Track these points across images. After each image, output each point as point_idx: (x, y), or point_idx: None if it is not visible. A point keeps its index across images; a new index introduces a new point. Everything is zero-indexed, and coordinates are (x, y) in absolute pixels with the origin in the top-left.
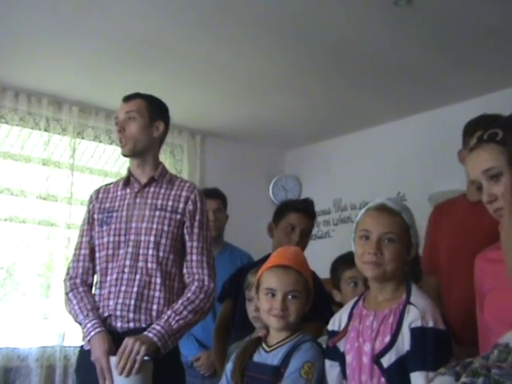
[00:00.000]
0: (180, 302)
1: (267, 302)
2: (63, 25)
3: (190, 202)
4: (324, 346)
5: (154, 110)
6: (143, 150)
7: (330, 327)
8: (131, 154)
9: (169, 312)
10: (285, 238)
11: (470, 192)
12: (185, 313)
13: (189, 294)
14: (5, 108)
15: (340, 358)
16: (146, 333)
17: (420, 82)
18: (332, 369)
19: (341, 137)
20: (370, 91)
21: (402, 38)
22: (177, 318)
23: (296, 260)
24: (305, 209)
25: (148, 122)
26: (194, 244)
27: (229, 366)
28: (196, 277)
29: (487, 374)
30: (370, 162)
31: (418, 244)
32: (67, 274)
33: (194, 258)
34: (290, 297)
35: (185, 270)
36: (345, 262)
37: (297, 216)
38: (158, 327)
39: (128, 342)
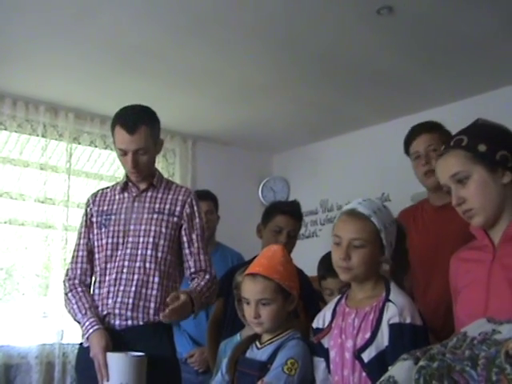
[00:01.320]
0: (203, 283)
1: (245, 309)
2: (60, 34)
3: (186, 206)
4: None
5: (156, 132)
6: (150, 169)
7: (314, 324)
8: (142, 179)
9: (198, 288)
10: (272, 240)
11: (435, 197)
12: (207, 293)
13: (208, 277)
14: (3, 115)
15: (325, 354)
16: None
17: (401, 88)
18: (318, 364)
19: (327, 140)
20: (355, 96)
21: (384, 46)
22: (206, 294)
23: (268, 265)
24: (291, 211)
25: (153, 148)
26: (195, 244)
27: (225, 362)
28: (204, 269)
29: (442, 358)
30: (355, 164)
31: (393, 244)
32: (66, 275)
33: (202, 257)
34: (261, 304)
35: (193, 270)
36: (323, 268)
37: (284, 218)
38: (195, 294)
39: (183, 297)
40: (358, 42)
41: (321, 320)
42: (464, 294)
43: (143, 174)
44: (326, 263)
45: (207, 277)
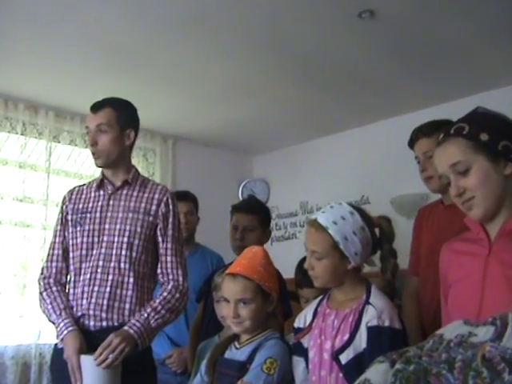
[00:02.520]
0: (158, 301)
1: (224, 309)
2: (40, 31)
3: (162, 205)
4: (291, 342)
5: (124, 118)
6: (116, 160)
7: (295, 324)
8: (104, 165)
9: (148, 310)
10: (232, 238)
11: (445, 197)
12: (163, 312)
13: (165, 294)
14: None
15: (304, 353)
16: (127, 328)
17: (382, 91)
18: (298, 364)
19: (307, 142)
20: (336, 99)
21: (365, 49)
22: (156, 316)
23: (248, 265)
24: (242, 207)
25: (119, 132)
26: (168, 245)
27: (203, 363)
28: (171, 277)
29: (419, 361)
30: (335, 167)
31: (358, 252)
32: (41, 273)
33: (169, 259)
34: (241, 304)
35: (159, 271)
36: (299, 276)
37: (237, 216)
38: (139, 324)
39: (114, 339)
40: (340, 45)
41: (302, 319)
42: (456, 290)
43: (102, 156)
44: (301, 270)
45: (169, 286)
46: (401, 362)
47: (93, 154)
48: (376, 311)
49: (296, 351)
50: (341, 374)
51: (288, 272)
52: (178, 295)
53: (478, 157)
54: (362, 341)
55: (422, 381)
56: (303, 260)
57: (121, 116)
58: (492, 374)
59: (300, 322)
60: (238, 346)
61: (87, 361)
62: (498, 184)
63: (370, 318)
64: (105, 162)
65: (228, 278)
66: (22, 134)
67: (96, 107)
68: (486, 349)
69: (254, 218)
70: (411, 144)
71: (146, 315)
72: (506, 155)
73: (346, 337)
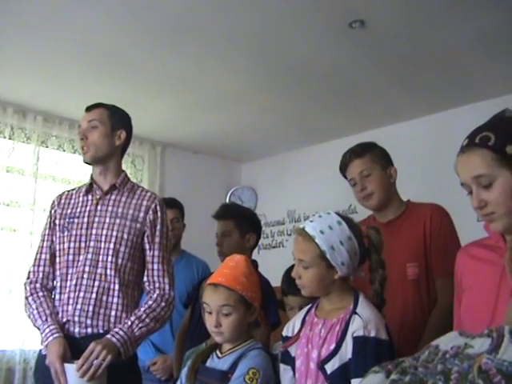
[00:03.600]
0: (142, 309)
1: (206, 319)
2: (30, 37)
3: (150, 212)
4: (277, 351)
5: (116, 118)
6: (105, 158)
7: (284, 332)
8: (92, 160)
9: (132, 318)
10: (217, 247)
11: (379, 215)
12: (147, 320)
13: (150, 302)
14: None
15: (292, 362)
16: (109, 337)
17: (370, 101)
18: (285, 372)
19: (295, 151)
20: (325, 108)
21: (355, 59)
22: (140, 325)
23: (230, 276)
24: (216, 215)
25: (110, 130)
26: (155, 253)
27: (184, 371)
28: (157, 285)
29: (414, 372)
30: (323, 176)
31: (345, 262)
32: (27, 278)
33: (156, 267)
34: (223, 314)
35: (145, 279)
36: (285, 284)
37: (217, 224)
38: (122, 332)
39: (95, 348)
40: (330, 55)
41: (290, 328)
42: (470, 297)
43: (91, 149)
44: (287, 278)
45: (155, 295)
46: (396, 373)
47: (82, 148)
48: (362, 321)
49: (284, 359)
50: None
51: (275, 280)
52: (163, 304)
53: (503, 170)
54: (347, 351)
55: None
56: (290, 268)
57: (113, 115)
58: None
59: (288, 330)
60: (219, 355)
61: (71, 369)
62: None
63: (356, 328)
64: (93, 157)
65: (210, 288)
66: (9, 138)
67: (90, 107)
68: (482, 361)
69: (229, 222)
70: (343, 168)
71: (129, 323)
72: None
73: (332, 346)
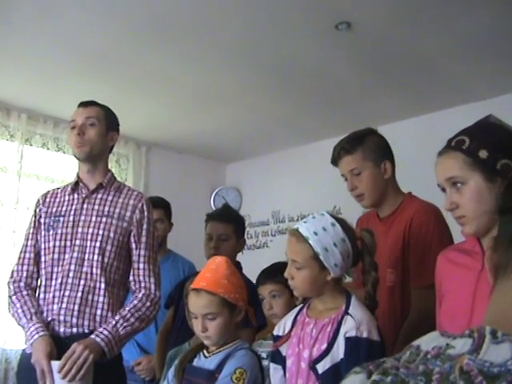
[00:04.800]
0: (127, 308)
1: (193, 323)
2: (15, 32)
3: (137, 211)
4: (267, 350)
5: (110, 120)
6: (97, 156)
7: (275, 332)
8: (86, 157)
9: (117, 317)
10: (206, 247)
11: (378, 210)
12: (132, 320)
13: (135, 302)
14: None
15: (283, 361)
16: (93, 336)
17: (355, 102)
18: (276, 372)
19: (280, 151)
20: (310, 109)
21: (341, 61)
22: (124, 324)
23: (211, 279)
24: (216, 216)
25: (105, 130)
26: (142, 252)
27: (171, 370)
28: (143, 285)
29: (396, 373)
30: (307, 177)
31: (338, 264)
32: (11, 276)
33: (141, 266)
34: (207, 319)
35: (131, 278)
36: (258, 277)
37: (211, 224)
38: (106, 332)
39: (77, 347)
40: (315, 56)
41: (281, 327)
42: (447, 302)
43: (87, 146)
44: (263, 271)
45: (140, 295)
46: (378, 374)
47: (77, 143)
48: (355, 322)
49: (274, 359)
50: None
51: None
52: (148, 303)
53: (475, 174)
54: (339, 351)
55: None
56: (271, 265)
57: (108, 116)
58: None
59: (279, 329)
60: (207, 355)
61: (57, 367)
62: (490, 202)
63: (348, 328)
64: (88, 153)
65: (192, 294)
66: None
67: (86, 103)
68: (463, 361)
69: (229, 227)
70: (334, 162)
71: (114, 323)
72: (505, 174)
73: (324, 346)
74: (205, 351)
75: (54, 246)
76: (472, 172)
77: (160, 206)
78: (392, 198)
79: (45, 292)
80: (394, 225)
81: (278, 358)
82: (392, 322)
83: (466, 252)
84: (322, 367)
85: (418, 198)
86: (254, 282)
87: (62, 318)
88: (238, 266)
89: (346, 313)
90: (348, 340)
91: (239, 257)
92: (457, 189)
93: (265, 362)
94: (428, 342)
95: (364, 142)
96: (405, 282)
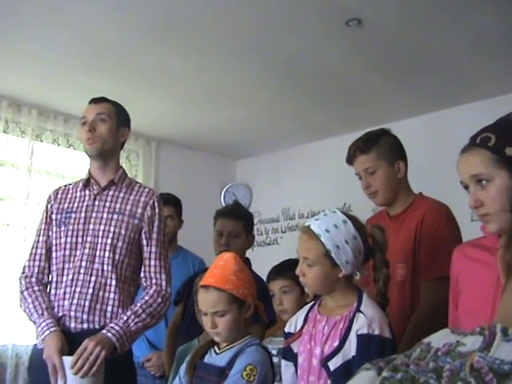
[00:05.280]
0: (139, 304)
1: (203, 320)
2: (26, 31)
3: (148, 208)
4: (277, 347)
5: (121, 116)
6: (108, 152)
7: (286, 329)
8: (98, 153)
9: (128, 313)
10: (216, 244)
11: (389, 208)
12: (143, 316)
13: (147, 298)
14: None
15: (294, 358)
16: (104, 332)
17: (365, 100)
18: (287, 368)
19: (291, 148)
20: (320, 106)
21: (351, 57)
22: (136, 320)
23: (220, 276)
24: (227, 212)
25: (116, 126)
26: (153, 249)
27: (182, 367)
28: (154, 281)
29: (406, 369)
30: (318, 174)
31: (350, 261)
32: (23, 272)
33: (153, 263)
34: (217, 315)
35: (142, 274)
36: (269, 273)
37: (221, 221)
38: (117, 327)
39: (89, 344)
40: (325, 53)
41: (293, 324)
42: (468, 299)
43: (98, 142)
44: (273, 268)
45: (151, 291)
46: (388, 370)
47: (88, 139)
48: (366, 319)
49: (286, 356)
50: (329, 381)
51: None
52: (159, 300)
53: (501, 171)
54: (351, 348)
55: None
56: (282, 262)
57: (119, 112)
58: None
59: (291, 326)
60: (217, 352)
61: (69, 363)
62: None
63: (360, 325)
64: (99, 149)
65: (201, 290)
66: (4, 132)
67: (97, 100)
68: (474, 359)
69: (239, 223)
70: (349, 161)
71: (125, 318)
72: None
73: (336, 343)
74: (216, 348)
75: (66, 243)
76: (498, 169)
77: (170, 202)
78: (404, 196)
79: (56, 288)
80: (405, 222)
81: (289, 355)
82: (401, 316)
83: (485, 248)
84: (333, 364)
85: (429, 197)
86: (264, 278)
87: (72, 313)
88: (248, 262)
89: (358, 310)
90: (360, 337)
91: (249, 253)
92: (482, 186)
93: (275, 359)
94: (439, 339)
95: (379, 142)
96: (415, 277)
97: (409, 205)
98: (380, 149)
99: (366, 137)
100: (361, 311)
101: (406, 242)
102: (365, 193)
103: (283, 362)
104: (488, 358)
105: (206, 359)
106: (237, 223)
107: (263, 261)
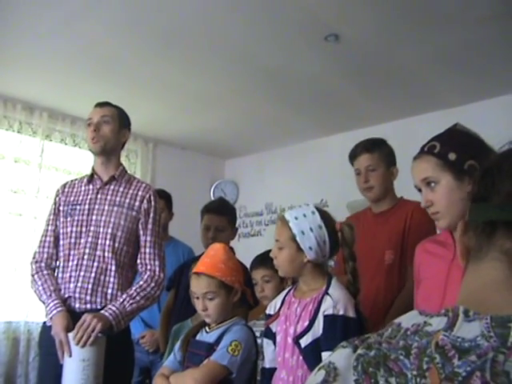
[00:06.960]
0: (134, 288)
1: (195, 303)
2: (38, 41)
3: (145, 201)
4: (260, 329)
5: (123, 119)
6: (110, 150)
7: (267, 311)
8: (101, 150)
9: (124, 296)
10: (204, 237)
11: (375, 206)
12: (137, 298)
13: (141, 282)
14: None
15: (273, 337)
16: (103, 311)
17: (341, 107)
18: (268, 346)
19: (274, 150)
20: (300, 112)
21: (329, 68)
22: (131, 301)
23: (210, 264)
24: (214, 208)
25: (118, 127)
26: (148, 238)
27: (177, 344)
28: (148, 267)
29: (379, 347)
30: (298, 173)
31: (313, 247)
32: (33, 257)
33: (148, 250)
34: (207, 299)
35: (138, 261)
36: (252, 262)
37: (208, 216)
38: (114, 308)
39: (86, 317)
40: (306, 64)
41: (272, 307)
42: (423, 287)
43: (101, 141)
44: (256, 257)
45: (145, 276)
46: (362, 348)
47: (92, 138)
48: (332, 301)
49: (266, 334)
50: (301, 357)
51: None
52: (153, 284)
53: (445, 174)
54: (319, 327)
55: (382, 365)
56: (264, 252)
57: (121, 116)
58: (443, 360)
59: (271, 309)
60: (208, 331)
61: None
62: (460, 199)
63: (326, 307)
64: (102, 147)
65: (194, 277)
66: (18, 132)
67: (101, 104)
68: (439, 337)
69: (224, 218)
70: (353, 157)
71: (121, 300)
72: (472, 174)
73: (306, 323)
74: (206, 327)
75: (71, 232)
76: (443, 172)
77: (162, 197)
78: (391, 197)
79: (63, 272)
80: (391, 218)
81: (269, 334)
82: (388, 295)
83: (440, 243)
84: (304, 342)
85: (410, 200)
86: (248, 266)
87: (77, 295)
88: (231, 251)
89: (326, 293)
90: (326, 317)
91: (235, 243)
92: (431, 188)
93: (258, 340)
94: (408, 319)
95: (381, 147)
96: (402, 261)
97: (394, 205)
98: (382, 152)
99: (372, 140)
100: (328, 294)
101: (394, 232)
102: (360, 187)
103: (264, 340)
104: (451, 336)
105: (198, 337)
106: (222, 218)
107: (248, 251)
